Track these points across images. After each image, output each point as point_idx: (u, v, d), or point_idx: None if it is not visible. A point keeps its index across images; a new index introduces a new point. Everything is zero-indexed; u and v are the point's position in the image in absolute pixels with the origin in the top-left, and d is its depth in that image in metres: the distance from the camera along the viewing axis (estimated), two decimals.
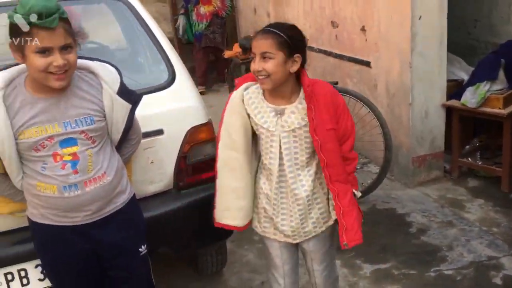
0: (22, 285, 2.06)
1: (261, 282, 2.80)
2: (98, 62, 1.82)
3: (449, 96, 3.78)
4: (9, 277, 2.04)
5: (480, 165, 3.72)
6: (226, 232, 2.19)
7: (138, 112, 1.93)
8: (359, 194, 1.94)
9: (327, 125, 1.80)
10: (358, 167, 4.15)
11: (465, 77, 3.90)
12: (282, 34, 1.71)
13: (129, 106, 1.81)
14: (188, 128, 2.23)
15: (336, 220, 1.92)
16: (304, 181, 1.85)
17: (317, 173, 1.87)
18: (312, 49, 4.90)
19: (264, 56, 1.71)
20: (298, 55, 1.74)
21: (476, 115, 3.62)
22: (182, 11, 7.12)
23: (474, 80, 3.55)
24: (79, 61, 1.74)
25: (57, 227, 1.78)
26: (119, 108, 1.79)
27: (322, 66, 4.87)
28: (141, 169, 2.18)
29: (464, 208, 3.42)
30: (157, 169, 2.22)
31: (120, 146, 1.93)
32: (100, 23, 3.03)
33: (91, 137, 1.75)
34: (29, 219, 1.85)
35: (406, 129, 3.72)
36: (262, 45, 1.72)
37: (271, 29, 1.74)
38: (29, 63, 1.61)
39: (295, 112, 1.81)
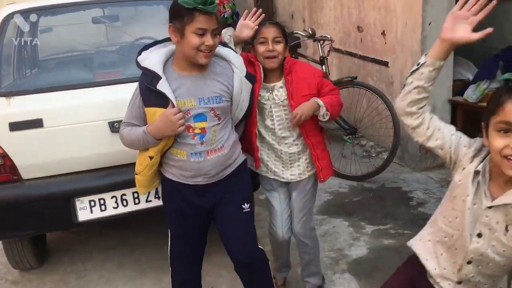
0: (101, 210, 2.78)
1: None
2: (230, 50, 2.18)
3: (457, 94, 4.32)
4: (92, 203, 2.76)
5: None
6: None
7: None
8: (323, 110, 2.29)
9: (304, 91, 2.28)
10: (374, 155, 4.75)
11: (471, 77, 4.43)
12: (282, 27, 2.32)
13: (251, 86, 2.18)
14: None
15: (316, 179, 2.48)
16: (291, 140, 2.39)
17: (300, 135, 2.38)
18: (340, 51, 5.52)
19: (275, 40, 2.24)
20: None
21: (476, 110, 4.14)
22: None
23: (476, 79, 4.08)
24: (223, 49, 2.13)
25: (182, 184, 2.14)
26: (245, 89, 2.15)
27: (348, 66, 5.48)
28: None
29: None
30: None
31: (236, 125, 2.27)
32: (159, 21, 3.71)
33: (217, 114, 2.06)
34: (161, 173, 2.23)
35: None
36: (274, 31, 2.25)
37: (274, 22, 2.35)
38: (186, 41, 1.93)
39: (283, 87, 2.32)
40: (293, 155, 2.40)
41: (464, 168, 1.47)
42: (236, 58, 2.15)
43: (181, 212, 2.20)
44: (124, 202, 2.78)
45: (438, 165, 4.37)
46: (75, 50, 3.45)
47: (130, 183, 2.73)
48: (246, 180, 2.29)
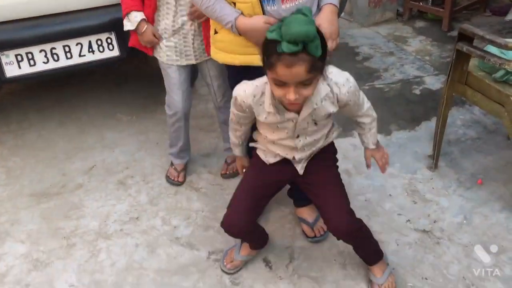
0: (30, 65, 2.57)
1: None
2: None
3: None
4: (19, 58, 2.55)
5: (426, 6, 4.18)
6: None
7: None
8: None
9: None
10: None
11: None
12: None
13: None
14: None
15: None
16: None
17: None
18: None
19: None
20: None
21: None
22: None
23: None
24: None
25: None
26: None
27: None
28: None
29: (406, 42, 3.96)
30: None
31: None
32: None
33: None
34: None
35: None
36: None
37: None
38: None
39: None
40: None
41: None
42: None
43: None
44: (55, 57, 2.59)
45: (386, 19, 4.31)
46: None
47: (61, 35, 2.55)
48: None
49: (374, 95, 3.25)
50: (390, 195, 2.34)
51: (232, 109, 1.67)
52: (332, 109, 1.54)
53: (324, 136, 1.69)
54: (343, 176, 2.43)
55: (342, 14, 4.06)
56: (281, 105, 1.51)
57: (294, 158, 1.70)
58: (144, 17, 2.16)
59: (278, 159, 1.72)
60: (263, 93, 1.52)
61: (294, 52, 1.27)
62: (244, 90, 1.56)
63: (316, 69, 1.34)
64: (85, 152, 2.84)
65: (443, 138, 2.43)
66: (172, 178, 2.55)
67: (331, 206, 1.71)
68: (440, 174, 2.44)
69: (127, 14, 2.17)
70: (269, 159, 1.74)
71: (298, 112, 1.52)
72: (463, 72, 2.16)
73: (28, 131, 3.08)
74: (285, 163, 1.73)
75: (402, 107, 3.07)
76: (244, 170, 1.94)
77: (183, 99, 2.34)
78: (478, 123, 2.80)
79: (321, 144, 1.70)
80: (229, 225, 1.79)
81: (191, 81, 2.46)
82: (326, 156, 1.77)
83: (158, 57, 2.28)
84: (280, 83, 1.35)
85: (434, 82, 3.32)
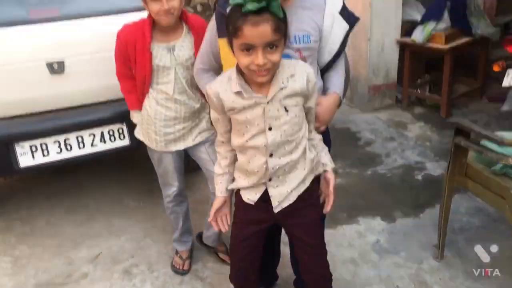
0: (44, 156, 2.66)
1: None
2: None
3: (405, 34, 4.35)
4: (33, 148, 2.64)
5: (424, 94, 4.35)
6: None
7: None
8: None
9: None
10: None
11: (419, 18, 4.45)
12: None
13: (347, 27, 1.78)
14: None
15: None
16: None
17: None
18: None
19: None
20: None
21: (423, 51, 4.20)
22: None
23: (423, 19, 4.11)
24: None
25: None
26: (338, 28, 1.76)
27: None
28: None
29: (406, 128, 4.08)
30: None
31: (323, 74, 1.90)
32: None
33: (304, 56, 1.74)
34: None
35: (364, 61, 4.31)
36: None
37: None
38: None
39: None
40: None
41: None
42: None
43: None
44: (68, 147, 2.69)
45: (386, 105, 4.47)
46: None
47: (74, 127, 2.67)
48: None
49: (377, 180, 3.31)
50: (397, 286, 2.32)
51: (212, 116, 1.64)
52: (300, 86, 1.54)
53: (303, 157, 1.61)
54: (349, 266, 2.43)
55: (344, 100, 4.22)
56: (248, 87, 1.52)
57: (270, 179, 1.61)
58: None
59: (258, 195, 1.66)
60: (229, 78, 1.55)
61: (259, 8, 1.35)
62: (211, 83, 1.61)
63: (281, 31, 1.41)
64: (92, 239, 2.86)
65: (448, 226, 2.46)
66: (177, 267, 2.55)
67: (311, 272, 1.77)
68: (447, 264, 2.43)
69: (132, 111, 2.36)
70: (250, 197, 1.67)
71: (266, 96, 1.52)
72: (462, 164, 2.23)
73: (36, 217, 3.12)
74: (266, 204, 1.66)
75: (405, 193, 3.12)
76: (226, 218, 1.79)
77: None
78: (482, 211, 2.83)
79: (300, 168, 1.62)
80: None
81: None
82: (311, 195, 1.70)
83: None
84: (247, 48, 1.40)
85: (435, 168, 3.39)
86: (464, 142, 2.11)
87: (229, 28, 1.44)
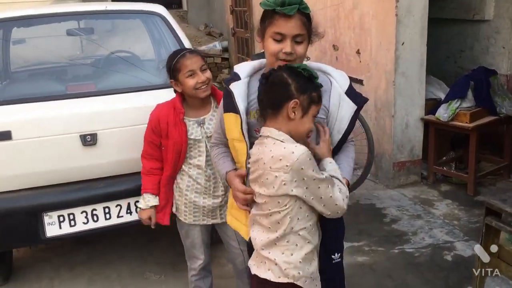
0: (70, 226, 2.70)
1: None
2: (330, 66, 1.90)
3: (429, 112, 4.40)
4: (61, 218, 2.69)
5: (450, 171, 4.31)
6: None
7: None
8: None
9: None
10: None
11: (443, 96, 4.52)
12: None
13: (355, 107, 1.80)
14: None
15: None
16: None
17: None
18: None
19: (202, 69, 2.22)
20: None
21: (448, 128, 4.22)
22: None
23: (448, 98, 4.17)
24: (314, 63, 1.88)
25: None
26: (345, 108, 1.80)
27: None
28: None
29: (433, 205, 4.00)
30: None
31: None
32: (134, 34, 3.68)
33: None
34: None
35: (389, 138, 4.34)
36: (198, 60, 2.23)
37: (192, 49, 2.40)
38: (265, 46, 1.72)
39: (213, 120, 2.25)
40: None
41: None
42: (335, 72, 1.86)
43: None
44: (95, 218, 2.72)
45: (411, 182, 4.42)
46: (48, 62, 3.40)
47: (101, 198, 2.71)
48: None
49: (404, 259, 3.21)
50: None
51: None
52: None
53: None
54: None
55: (368, 176, 4.20)
56: None
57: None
58: (157, 203, 2.36)
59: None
60: None
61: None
62: None
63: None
64: None
65: None
66: None
67: None
68: None
69: (143, 194, 2.36)
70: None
71: None
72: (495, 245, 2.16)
73: None
74: None
75: (435, 274, 3.00)
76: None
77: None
78: None
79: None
80: None
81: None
82: None
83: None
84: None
85: (465, 249, 3.28)
86: (496, 223, 2.06)
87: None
